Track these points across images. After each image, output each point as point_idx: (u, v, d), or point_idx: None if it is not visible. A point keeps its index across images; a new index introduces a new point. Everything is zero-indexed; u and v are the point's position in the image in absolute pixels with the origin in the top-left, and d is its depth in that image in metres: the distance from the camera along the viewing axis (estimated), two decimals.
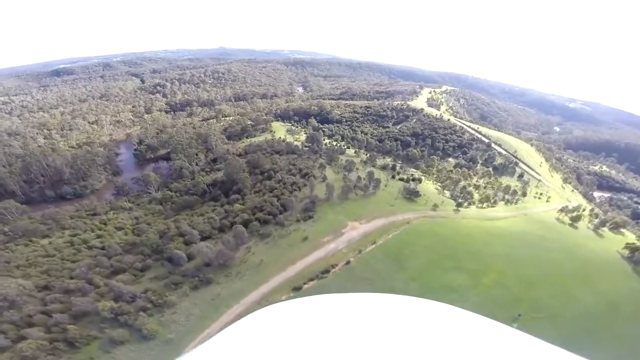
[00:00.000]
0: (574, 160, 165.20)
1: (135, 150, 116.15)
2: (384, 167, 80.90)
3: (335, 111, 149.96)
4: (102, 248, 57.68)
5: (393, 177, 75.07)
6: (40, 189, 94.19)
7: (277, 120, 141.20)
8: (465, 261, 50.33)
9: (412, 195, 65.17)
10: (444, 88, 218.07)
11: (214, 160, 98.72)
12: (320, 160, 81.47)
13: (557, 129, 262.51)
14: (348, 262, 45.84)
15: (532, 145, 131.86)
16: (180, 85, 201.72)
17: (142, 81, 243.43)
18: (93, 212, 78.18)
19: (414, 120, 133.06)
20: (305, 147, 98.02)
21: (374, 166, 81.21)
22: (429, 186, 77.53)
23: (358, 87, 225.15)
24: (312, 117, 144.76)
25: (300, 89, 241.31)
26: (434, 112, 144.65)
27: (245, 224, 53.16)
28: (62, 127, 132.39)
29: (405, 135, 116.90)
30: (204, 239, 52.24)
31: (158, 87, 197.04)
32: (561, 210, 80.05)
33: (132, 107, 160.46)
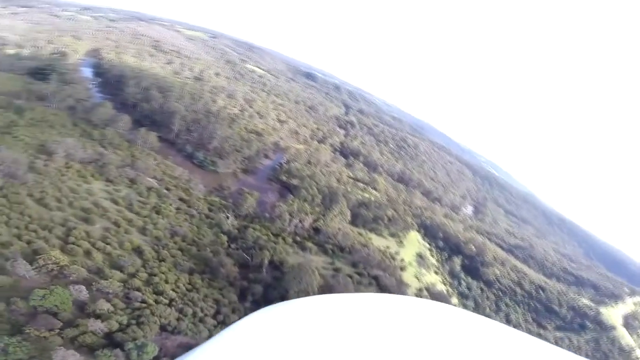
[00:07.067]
0: None
1: (279, 164, 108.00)
2: None
3: (495, 267, 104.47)
4: None
5: None
6: None
7: (419, 231, 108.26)
8: None
9: None
10: None
11: (316, 231, 76.74)
12: None
13: None
14: None
15: None
16: (365, 134, 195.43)
17: (346, 113, 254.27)
18: None
19: (589, 338, 76.45)
20: None
21: None
22: None
23: (542, 250, 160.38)
24: (461, 256, 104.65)
25: (470, 210, 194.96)
26: (628, 340, 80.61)
27: None
28: (260, 113, 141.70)
29: None
30: None
31: (348, 125, 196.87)
32: None
33: (317, 128, 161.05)
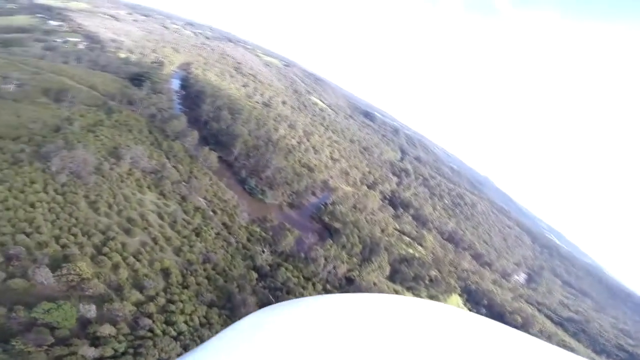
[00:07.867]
0: None
1: (324, 204, 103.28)
2: None
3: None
4: None
5: None
6: None
7: (462, 296, 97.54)
8: None
9: None
10: None
11: (349, 281, 69.19)
12: None
13: None
14: None
15: None
16: (419, 184, 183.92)
17: (402, 159, 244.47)
18: None
19: None
20: None
21: None
22: None
23: (598, 324, 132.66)
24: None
25: (523, 278, 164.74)
26: None
27: None
28: (315, 148, 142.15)
29: None
30: None
31: (402, 172, 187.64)
32: None
33: (369, 171, 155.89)
